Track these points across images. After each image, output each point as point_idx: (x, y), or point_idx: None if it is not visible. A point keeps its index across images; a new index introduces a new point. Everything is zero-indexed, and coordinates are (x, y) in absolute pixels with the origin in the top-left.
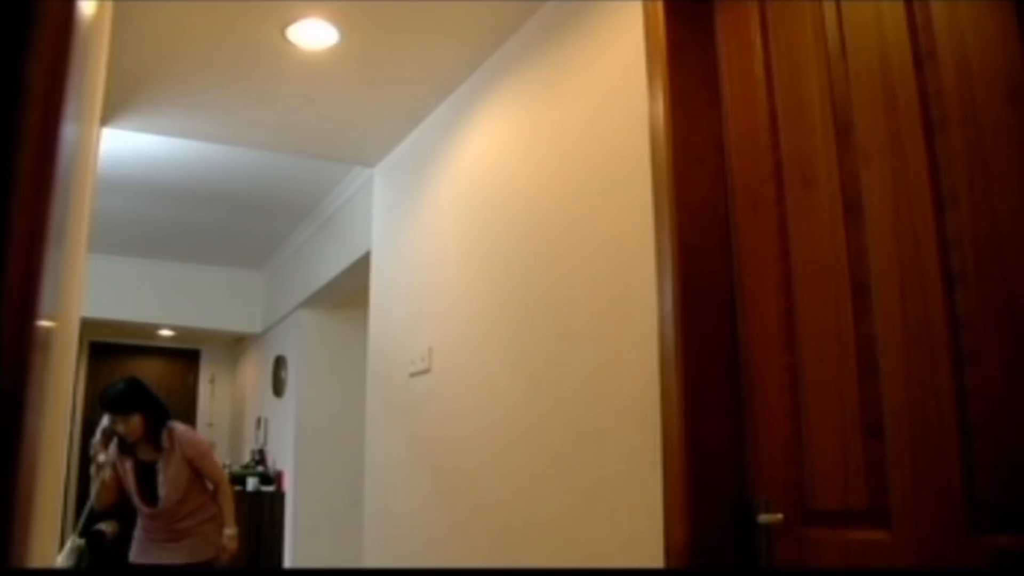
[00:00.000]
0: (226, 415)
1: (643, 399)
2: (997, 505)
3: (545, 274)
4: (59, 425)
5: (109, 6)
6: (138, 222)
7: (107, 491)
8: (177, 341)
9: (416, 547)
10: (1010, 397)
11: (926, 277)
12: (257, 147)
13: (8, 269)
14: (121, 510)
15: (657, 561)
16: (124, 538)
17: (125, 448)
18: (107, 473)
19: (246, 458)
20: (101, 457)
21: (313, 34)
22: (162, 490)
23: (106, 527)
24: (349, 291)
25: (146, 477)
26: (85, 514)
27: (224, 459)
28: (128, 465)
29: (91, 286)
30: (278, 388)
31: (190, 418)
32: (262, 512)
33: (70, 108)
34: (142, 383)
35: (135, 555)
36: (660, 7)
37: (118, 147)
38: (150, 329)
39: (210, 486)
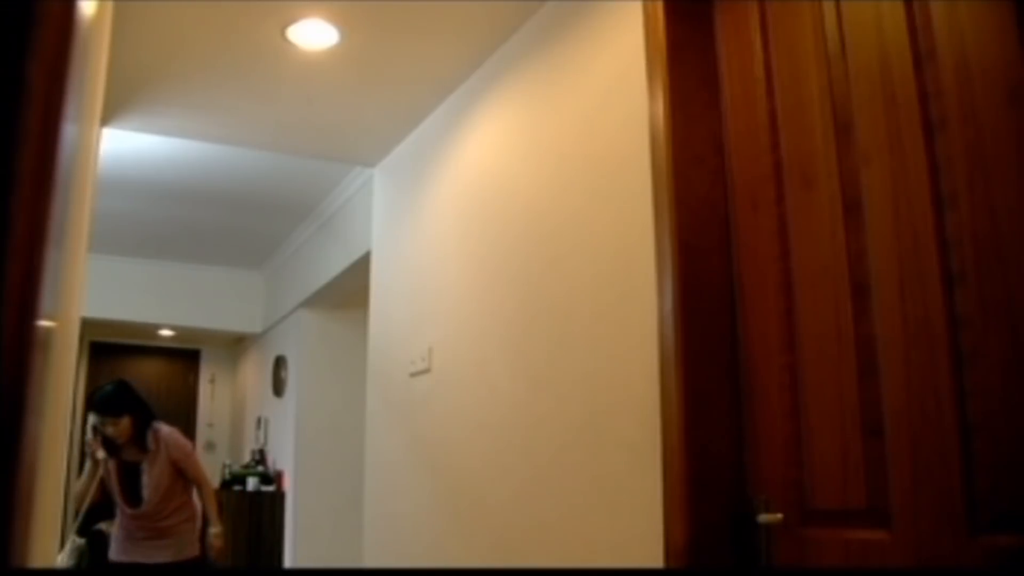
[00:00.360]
0: (226, 415)
1: (643, 399)
2: (997, 505)
3: (545, 274)
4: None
5: (109, 6)
6: (138, 222)
7: (89, 492)
8: (177, 341)
9: (416, 547)
10: (1010, 397)
11: (926, 277)
12: (257, 147)
13: (8, 269)
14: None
15: (657, 561)
16: None
17: (110, 449)
18: (104, 469)
19: (246, 458)
20: (100, 454)
21: (313, 34)
22: (146, 491)
23: (106, 527)
24: (349, 291)
25: (130, 478)
26: (83, 513)
27: (224, 459)
28: (111, 466)
29: (91, 286)
30: (278, 388)
31: (190, 418)
32: (262, 512)
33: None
34: (130, 385)
35: (116, 553)
36: (660, 7)
37: (118, 147)
38: (150, 329)
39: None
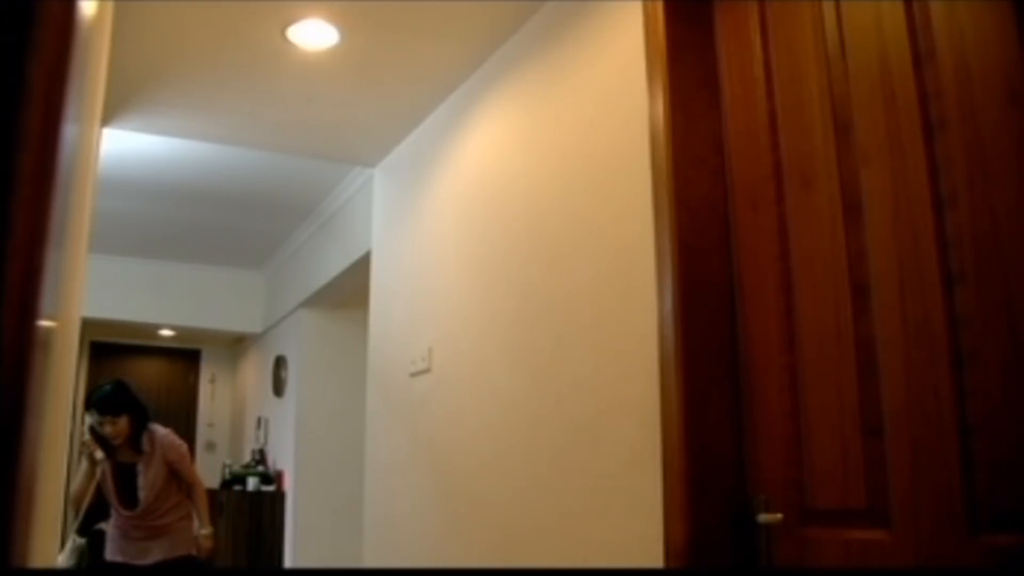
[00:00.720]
0: (226, 415)
1: (643, 399)
2: (997, 505)
3: (545, 274)
4: (59, 425)
5: (109, 6)
6: (138, 222)
7: (88, 492)
8: (177, 341)
9: (416, 547)
10: (1010, 397)
11: (926, 277)
12: (257, 147)
13: (8, 269)
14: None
15: (657, 561)
16: None
17: (106, 449)
18: (101, 469)
19: (246, 458)
20: (99, 454)
21: (313, 34)
22: (142, 493)
23: (106, 526)
24: (349, 291)
25: (125, 479)
26: (83, 513)
27: (224, 459)
28: (107, 467)
29: (91, 286)
30: (278, 388)
31: (191, 418)
32: (262, 512)
33: (70, 108)
34: (127, 385)
35: (111, 553)
36: (660, 7)
37: (118, 147)
38: (150, 329)
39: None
